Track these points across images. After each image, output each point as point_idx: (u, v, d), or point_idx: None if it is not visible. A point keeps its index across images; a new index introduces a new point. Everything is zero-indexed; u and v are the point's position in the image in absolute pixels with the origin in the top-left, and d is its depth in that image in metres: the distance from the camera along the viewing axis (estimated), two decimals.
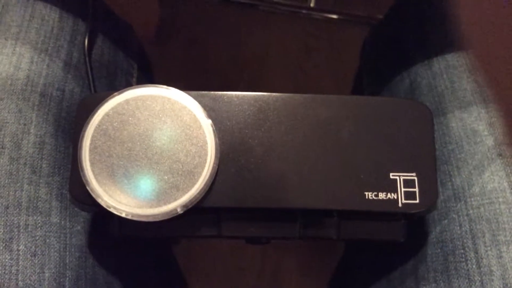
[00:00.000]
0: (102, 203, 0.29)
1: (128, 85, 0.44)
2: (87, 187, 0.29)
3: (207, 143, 0.29)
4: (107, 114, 0.30)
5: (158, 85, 0.31)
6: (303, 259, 0.81)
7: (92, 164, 0.29)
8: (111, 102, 0.30)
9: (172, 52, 0.89)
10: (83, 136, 0.29)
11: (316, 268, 0.80)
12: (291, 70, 0.91)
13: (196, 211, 0.29)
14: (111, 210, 0.29)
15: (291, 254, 0.81)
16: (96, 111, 0.30)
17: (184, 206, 0.29)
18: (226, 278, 0.80)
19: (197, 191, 0.29)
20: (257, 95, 0.31)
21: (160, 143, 0.29)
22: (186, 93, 0.30)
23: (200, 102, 0.30)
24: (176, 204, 0.29)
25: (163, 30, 0.90)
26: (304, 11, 0.95)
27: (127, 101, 0.30)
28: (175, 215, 0.29)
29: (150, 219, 0.29)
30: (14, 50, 0.35)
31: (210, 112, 0.30)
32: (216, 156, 0.29)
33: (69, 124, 0.36)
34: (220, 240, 0.80)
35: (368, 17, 0.93)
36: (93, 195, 0.29)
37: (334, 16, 0.96)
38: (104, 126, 0.30)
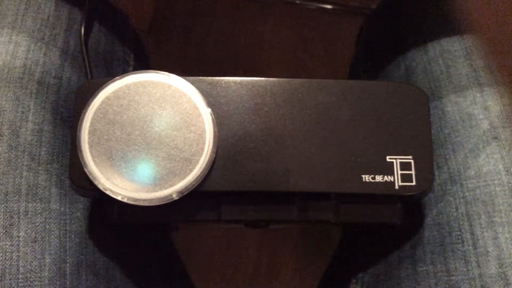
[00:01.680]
0: (99, 186, 0.29)
1: (124, 73, 0.44)
2: (85, 169, 0.29)
3: (205, 132, 0.30)
4: (107, 98, 0.30)
5: (159, 72, 0.31)
6: (299, 250, 0.82)
7: (90, 146, 0.29)
8: (112, 86, 0.30)
9: (167, 43, 0.89)
10: (83, 118, 0.30)
11: (312, 258, 0.81)
12: (286, 60, 0.91)
13: (195, 196, 0.30)
14: (107, 192, 0.29)
15: (287, 245, 0.82)
16: (97, 94, 0.30)
17: (180, 192, 0.29)
18: (223, 270, 0.81)
19: (193, 179, 0.29)
20: (254, 80, 0.31)
21: (159, 129, 0.29)
22: (185, 79, 0.31)
23: (198, 88, 0.30)
24: (172, 190, 0.29)
25: (158, 20, 0.90)
26: (298, 2, 0.95)
27: (128, 86, 0.30)
28: (170, 201, 0.29)
29: (145, 203, 0.29)
30: (10, 38, 0.35)
31: (208, 97, 0.31)
32: (214, 145, 0.30)
33: (67, 112, 0.36)
34: (216, 231, 0.80)
35: (362, 7, 0.93)
36: (90, 177, 0.29)
37: (329, 7, 0.96)
38: (104, 110, 0.30)
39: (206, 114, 0.30)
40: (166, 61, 0.85)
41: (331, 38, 0.92)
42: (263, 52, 0.90)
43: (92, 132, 0.29)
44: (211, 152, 0.29)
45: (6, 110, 0.33)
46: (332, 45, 0.91)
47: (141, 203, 0.29)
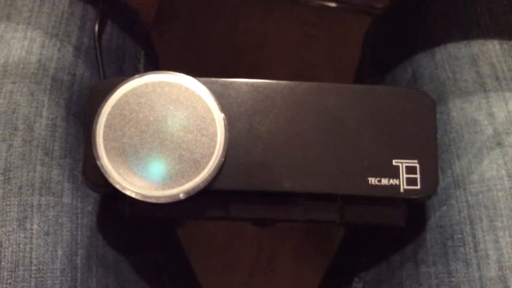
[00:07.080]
0: (109, 179, 0.30)
1: (135, 71, 0.45)
2: (97, 162, 0.30)
3: (217, 136, 0.30)
4: (125, 95, 0.31)
5: (177, 73, 0.31)
6: (298, 248, 0.82)
7: (105, 140, 0.30)
8: (131, 83, 0.31)
9: (170, 40, 0.89)
10: (99, 113, 0.30)
11: (311, 256, 0.81)
12: (290, 58, 0.91)
13: (204, 195, 0.31)
14: (117, 186, 0.30)
15: (286, 243, 0.82)
16: (116, 90, 0.31)
17: (187, 193, 0.30)
18: (221, 266, 0.81)
19: (201, 181, 0.30)
20: (265, 82, 0.32)
21: (173, 130, 0.30)
22: (199, 80, 0.31)
23: (210, 88, 0.31)
24: (180, 190, 0.30)
25: (161, 16, 0.90)
26: None
27: (146, 85, 0.31)
28: (177, 200, 0.30)
29: (153, 200, 0.30)
30: (25, 34, 0.36)
31: (220, 98, 0.31)
32: (224, 149, 0.30)
33: (80, 108, 0.37)
34: (216, 228, 0.81)
35: (367, 6, 0.94)
36: (102, 171, 0.30)
37: (333, 5, 0.96)
38: (121, 106, 0.30)
39: (219, 119, 0.31)
40: (169, 58, 0.85)
41: (335, 36, 0.92)
42: (266, 50, 0.91)
43: (107, 126, 0.30)
44: (221, 156, 0.30)
45: (21, 105, 0.34)
46: (336, 43, 0.92)
47: (149, 200, 0.30)
